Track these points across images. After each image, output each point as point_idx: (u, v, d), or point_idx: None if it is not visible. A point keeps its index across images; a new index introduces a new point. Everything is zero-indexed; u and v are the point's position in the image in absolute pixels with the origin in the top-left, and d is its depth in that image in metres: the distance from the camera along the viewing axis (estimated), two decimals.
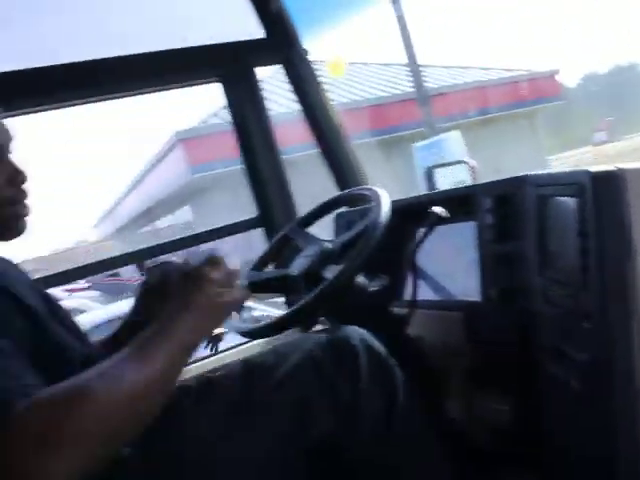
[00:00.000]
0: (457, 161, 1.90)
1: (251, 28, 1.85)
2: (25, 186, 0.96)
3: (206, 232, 1.70)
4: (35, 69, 1.50)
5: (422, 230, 1.31)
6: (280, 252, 1.46)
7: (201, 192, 9.98)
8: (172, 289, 0.89)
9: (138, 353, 0.77)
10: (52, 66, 1.52)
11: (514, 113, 11.55)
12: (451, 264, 1.39)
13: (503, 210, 1.20)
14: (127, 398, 0.73)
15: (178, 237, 1.70)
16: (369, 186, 1.36)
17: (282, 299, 1.50)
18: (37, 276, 1.41)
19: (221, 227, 1.74)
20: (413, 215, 1.41)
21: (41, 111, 1.63)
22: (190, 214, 11.42)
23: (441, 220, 1.17)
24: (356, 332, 1.10)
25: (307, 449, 1.01)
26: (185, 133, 9.90)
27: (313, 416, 1.01)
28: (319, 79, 1.83)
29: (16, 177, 0.94)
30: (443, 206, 1.28)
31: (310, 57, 1.82)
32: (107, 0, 1.68)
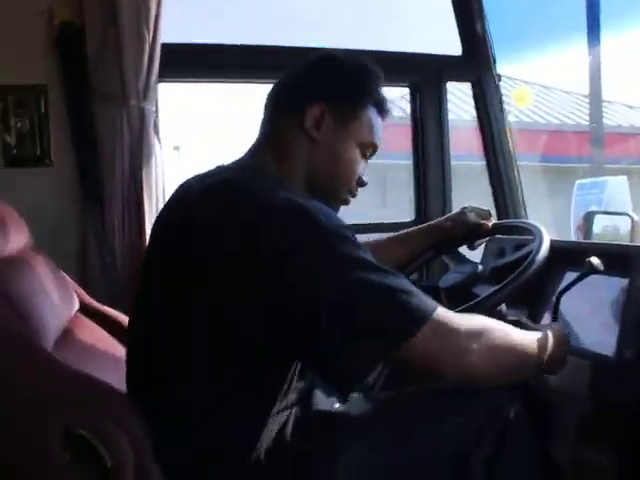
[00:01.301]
0: (621, 212, 1.87)
1: (446, 43, 1.93)
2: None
3: (361, 225, 1.83)
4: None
5: (571, 274, 1.34)
6: (426, 262, 1.57)
7: None
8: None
9: (526, 337, 1.05)
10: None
11: None
12: (592, 315, 1.39)
13: None
14: (515, 352, 1.02)
15: None
16: (533, 222, 1.41)
17: None
18: None
19: (377, 223, 1.85)
20: (566, 257, 1.43)
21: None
22: None
23: (595, 271, 1.19)
24: (512, 399, 1.11)
25: None
26: None
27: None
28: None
29: (363, 179, 1.16)
30: (598, 256, 1.30)
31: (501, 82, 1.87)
32: None
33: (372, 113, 1.13)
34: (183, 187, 1.09)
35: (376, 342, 0.89)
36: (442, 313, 0.93)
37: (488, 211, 1.54)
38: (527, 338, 1.06)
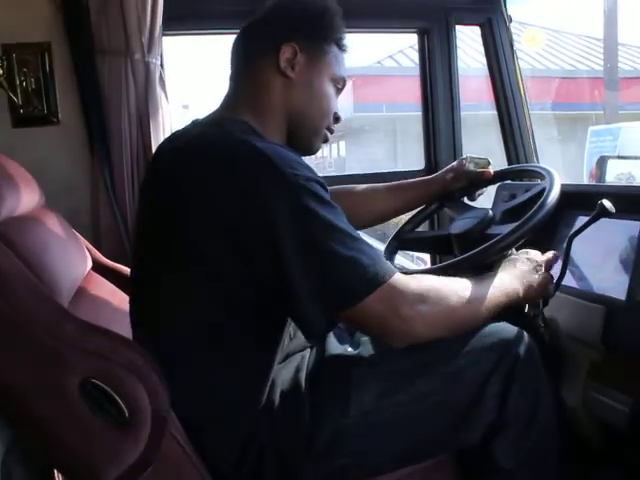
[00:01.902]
0: (636, 156, 1.85)
1: None
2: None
3: (373, 174, 1.83)
4: None
5: (583, 219, 1.33)
6: (431, 215, 1.58)
7: (358, 132, 10.07)
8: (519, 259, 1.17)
9: (488, 289, 1.05)
10: None
11: None
12: (604, 258, 1.39)
13: None
14: (464, 309, 1.02)
15: (346, 174, 1.83)
16: (544, 165, 1.39)
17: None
18: None
19: (387, 172, 1.84)
20: (578, 201, 1.42)
21: None
22: (343, 150, 11.57)
23: (607, 214, 1.18)
24: (521, 337, 1.10)
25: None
26: (358, 70, 9.94)
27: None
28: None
29: (338, 115, 1.20)
30: (609, 198, 1.29)
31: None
32: None
33: (336, 48, 1.17)
34: (160, 148, 1.13)
35: (326, 300, 0.92)
36: (396, 280, 0.95)
37: (486, 159, 1.54)
38: (489, 291, 1.06)
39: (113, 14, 1.65)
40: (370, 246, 0.96)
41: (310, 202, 0.92)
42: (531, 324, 1.22)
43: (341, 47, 1.19)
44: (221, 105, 1.16)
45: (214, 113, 1.14)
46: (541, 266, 1.17)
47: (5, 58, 1.68)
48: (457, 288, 1.03)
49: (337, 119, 1.21)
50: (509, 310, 1.10)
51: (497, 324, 1.10)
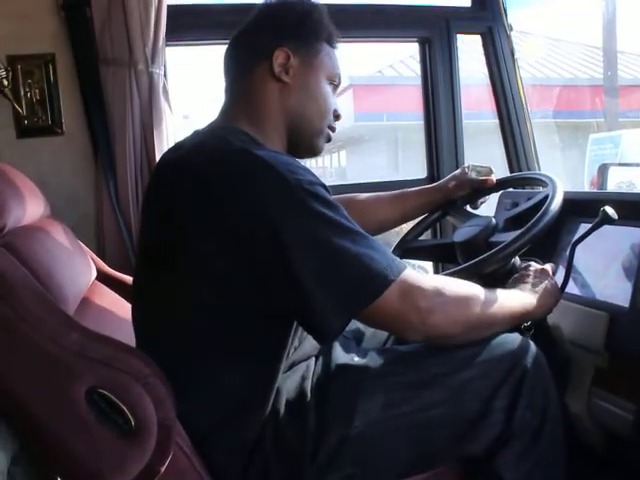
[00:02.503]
0: (637, 163, 1.86)
1: None
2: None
3: (375, 183, 1.84)
4: None
5: (586, 226, 1.33)
6: (433, 224, 1.58)
7: (358, 141, 10.08)
8: (527, 274, 1.19)
9: (503, 295, 1.07)
10: None
11: None
12: (606, 265, 1.38)
13: None
14: (480, 308, 1.02)
15: (347, 183, 1.84)
16: (546, 173, 1.40)
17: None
18: None
19: (389, 181, 1.85)
20: (580, 209, 1.42)
21: None
22: (344, 159, 11.57)
23: (609, 221, 1.19)
24: (530, 349, 1.10)
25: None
26: (358, 79, 9.96)
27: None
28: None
29: (338, 113, 1.21)
30: (611, 205, 1.29)
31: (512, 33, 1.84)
32: None
33: (328, 46, 1.18)
34: (162, 158, 1.12)
35: (345, 301, 0.92)
36: (409, 274, 0.96)
37: (489, 167, 1.55)
38: (504, 296, 1.08)
39: (117, 25, 1.66)
40: (379, 243, 0.96)
41: (315, 205, 0.92)
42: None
43: (332, 44, 1.19)
44: (219, 115, 1.16)
45: (213, 123, 1.14)
46: (546, 276, 1.18)
47: (10, 69, 1.69)
48: (473, 288, 1.04)
49: (337, 116, 1.21)
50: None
51: (506, 335, 1.09)
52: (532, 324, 1.22)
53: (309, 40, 1.14)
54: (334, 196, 0.98)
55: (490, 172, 1.54)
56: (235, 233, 0.92)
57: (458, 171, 1.57)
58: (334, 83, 1.19)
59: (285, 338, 1.05)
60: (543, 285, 1.16)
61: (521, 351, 1.08)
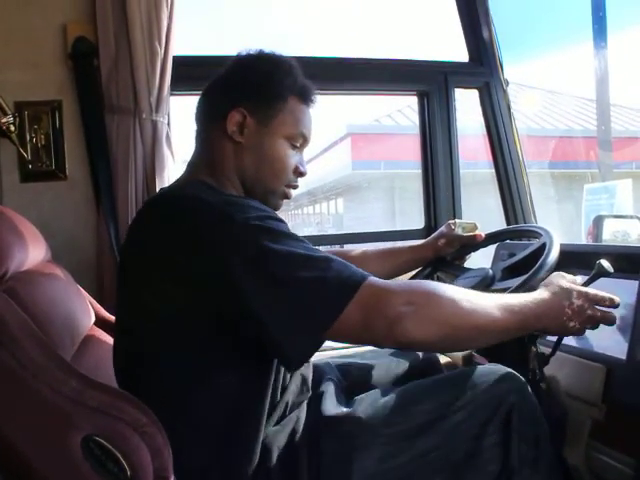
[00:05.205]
0: (631, 216, 1.88)
1: (452, 50, 1.95)
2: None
3: (373, 233, 1.86)
4: None
5: (582, 277, 1.34)
6: (428, 277, 1.60)
7: (355, 189, 10.15)
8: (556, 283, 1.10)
9: (503, 302, 0.99)
10: None
11: None
12: None
13: None
14: (465, 323, 0.95)
15: (343, 232, 1.86)
16: (542, 226, 1.42)
17: None
18: None
19: (387, 231, 1.88)
20: (576, 260, 1.44)
21: None
22: (341, 207, 11.63)
23: (605, 274, 1.20)
24: (514, 382, 1.11)
25: None
26: (356, 128, 10.08)
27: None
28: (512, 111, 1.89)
29: (301, 169, 1.19)
30: (607, 258, 1.30)
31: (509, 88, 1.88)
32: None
33: (295, 105, 1.17)
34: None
35: (306, 327, 0.91)
36: (371, 284, 0.93)
37: (474, 223, 1.60)
38: (494, 299, 1.01)
39: (123, 75, 1.70)
40: (335, 259, 0.94)
41: (262, 239, 0.92)
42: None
43: (305, 101, 1.19)
44: (186, 167, 1.19)
45: (181, 174, 1.18)
46: (584, 295, 1.08)
47: (17, 115, 1.72)
48: (448, 289, 0.97)
49: (301, 173, 1.21)
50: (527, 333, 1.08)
51: (488, 367, 1.10)
52: (540, 334, 1.17)
53: (268, 100, 1.15)
54: (327, 248, 0.98)
55: (475, 227, 1.58)
56: (189, 277, 0.93)
57: (444, 228, 1.61)
58: (296, 144, 1.18)
59: (266, 378, 1.04)
60: (565, 302, 1.06)
61: (505, 384, 1.08)
